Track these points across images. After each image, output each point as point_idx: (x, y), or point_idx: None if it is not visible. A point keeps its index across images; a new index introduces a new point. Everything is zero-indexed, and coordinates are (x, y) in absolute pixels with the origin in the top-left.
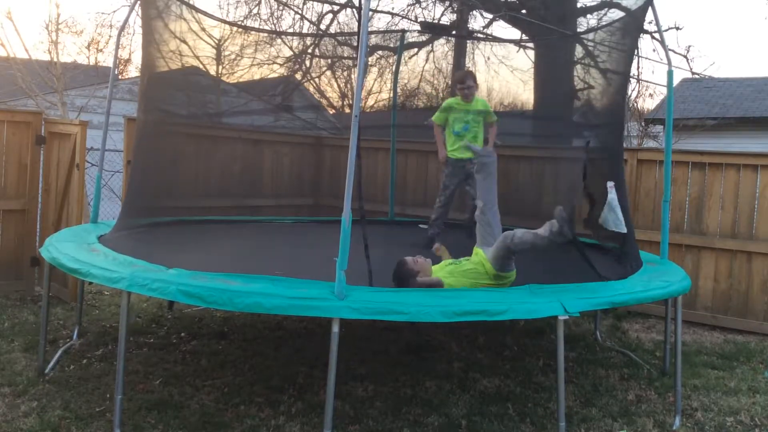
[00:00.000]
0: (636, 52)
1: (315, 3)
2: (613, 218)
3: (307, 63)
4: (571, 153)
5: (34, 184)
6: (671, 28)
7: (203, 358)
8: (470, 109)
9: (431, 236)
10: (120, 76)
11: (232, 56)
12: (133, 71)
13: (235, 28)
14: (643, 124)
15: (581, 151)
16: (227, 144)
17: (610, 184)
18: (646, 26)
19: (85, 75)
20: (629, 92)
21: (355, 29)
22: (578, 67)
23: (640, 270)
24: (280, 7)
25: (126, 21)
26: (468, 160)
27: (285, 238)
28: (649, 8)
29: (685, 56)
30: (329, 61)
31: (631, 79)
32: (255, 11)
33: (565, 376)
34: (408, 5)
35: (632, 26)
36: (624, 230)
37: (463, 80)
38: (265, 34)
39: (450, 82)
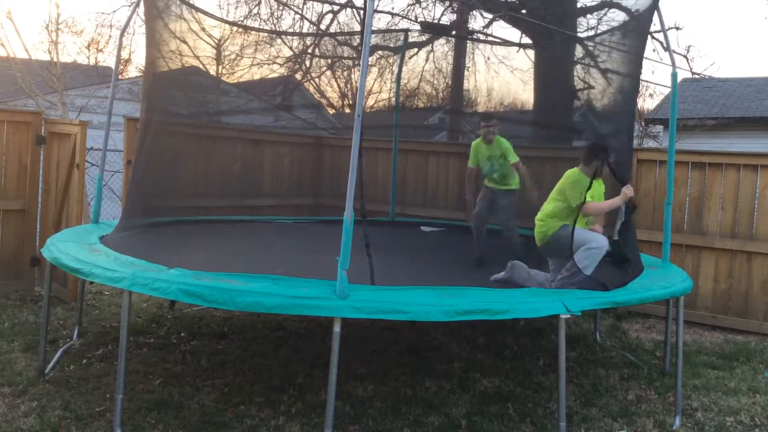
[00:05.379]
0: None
1: (315, 3)
2: (618, 225)
3: (307, 63)
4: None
5: (34, 184)
6: (671, 28)
7: (203, 358)
8: (491, 152)
9: (479, 257)
10: (120, 76)
11: (232, 56)
12: (133, 71)
13: (235, 28)
14: (643, 124)
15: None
16: (228, 144)
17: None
18: None
19: (85, 75)
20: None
21: (355, 29)
22: (579, 68)
23: (642, 275)
24: (280, 7)
25: (128, 22)
26: (498, 190)
27: (286, 237)
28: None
29: (685, 56)
30: (329, 61)
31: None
32: (255, 11)
33: (565, 376)
34: (408, 5)
35: (635, 27)
36: (616, 237)
37: (488, 119)
38: (265, 34)
39: (449, 82)
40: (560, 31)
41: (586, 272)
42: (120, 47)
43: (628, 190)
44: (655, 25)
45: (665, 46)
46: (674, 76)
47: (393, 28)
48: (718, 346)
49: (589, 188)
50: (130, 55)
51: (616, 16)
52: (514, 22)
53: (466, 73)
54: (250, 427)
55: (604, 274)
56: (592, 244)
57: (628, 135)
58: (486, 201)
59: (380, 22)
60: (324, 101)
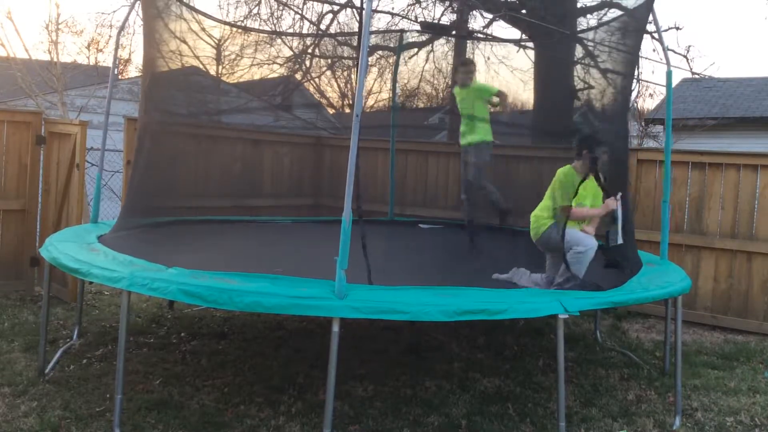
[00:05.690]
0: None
1: (315, 3)
2: (613, 232)
3: (307, 63)
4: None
5: (34, 184)
6: (671, 28)
7: (203, 358)
8: (465, 95)
9: (471, 232)
10: (120, 76)
11: (232, 56)
12: (133, 71)
13: (235, 29)
14: (643, 124)
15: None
16: (227, 144)
17: (619, 195)
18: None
19: (85, 75)
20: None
21: (355, 29)
22: (579, 67)
23: (640, 272)
24: (280, 7)
25: (125, 21)
26: (468, 145)
27: (285, 237)
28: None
29: (685, 56)
30: (329, 61)
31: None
32: (255, 11)
33: (565, 376)
34: (408, 5)
35: (634, 27)
36: (621, 242)
37: (466, 64)
38: (265, 35)
39: (450, 82)
40: (560, 30)
41: (578, 276)
42: (117, 47)
43: (611, 202)
44: (650, 24)
45: (660, 41)
46: (669, 74)
47: (393, 28)
48: (718, 346)
49: (577, 188)
50: (129, 55)
51: (616, 16)
52: (514, 22)
53: None
54: (250, 427)
55: (598, 275)
56: (579, 247)
57: (624, 134)
58: (466, 168)
59: (380, 22)
60: (324, 101)
